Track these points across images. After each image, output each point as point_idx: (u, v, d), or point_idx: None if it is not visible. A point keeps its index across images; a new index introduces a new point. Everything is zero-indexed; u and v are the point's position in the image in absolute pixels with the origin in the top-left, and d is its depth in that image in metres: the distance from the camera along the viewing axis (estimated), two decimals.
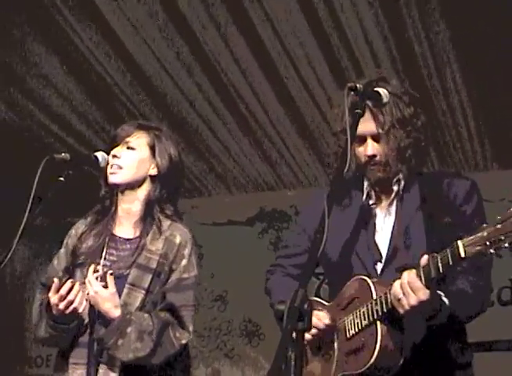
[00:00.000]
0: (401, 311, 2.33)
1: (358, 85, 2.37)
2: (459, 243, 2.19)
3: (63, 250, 3.06)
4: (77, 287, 2.80)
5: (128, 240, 2.96)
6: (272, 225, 6.17)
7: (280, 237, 6.07)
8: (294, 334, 1.94)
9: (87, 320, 2.86)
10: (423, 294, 2.28)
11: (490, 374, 3.71)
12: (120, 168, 2.95)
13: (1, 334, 6.40)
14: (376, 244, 2.58)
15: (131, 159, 2.98)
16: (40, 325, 2.91)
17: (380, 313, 2.39)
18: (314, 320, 2.52)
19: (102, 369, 2.79)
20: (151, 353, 2.75)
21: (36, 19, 4.53)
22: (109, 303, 2.78)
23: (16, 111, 5.34)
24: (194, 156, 5.67)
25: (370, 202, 2.64)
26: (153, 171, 2.99)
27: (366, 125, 2.49)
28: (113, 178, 2.96)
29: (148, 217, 2.96)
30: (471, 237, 2.16)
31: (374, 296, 2.43)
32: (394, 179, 2.58)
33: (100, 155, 2.96)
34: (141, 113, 5.20)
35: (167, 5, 4.41)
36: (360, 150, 2.56)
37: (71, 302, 2.78)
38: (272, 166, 5.82)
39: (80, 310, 2.81)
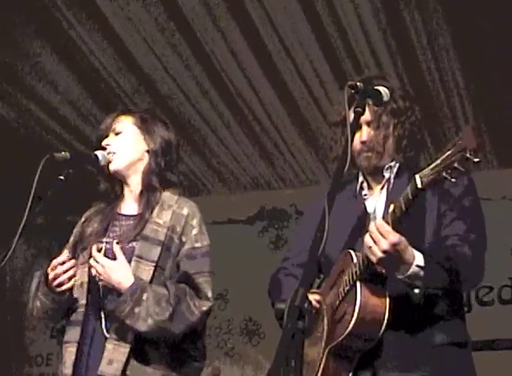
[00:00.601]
0: (374, 260, 2.30)
1: (358, 84, 2.38)
2: (416, 176, 2.21)
3: (71, 238, 3.04)
4: (69, 263, 2.77)
5: (131, 216, 2.93)
6: (273, 224, 6.17)
7: (280, 236, 6.08)
8: (295, 333, 1.94)
9: (83, 301, 2.81)
10: (393, 236, 2.27)
11: (491, 372, 3.71)
12: (114, 153, 2.93)
13: (1, 333, 6.40)
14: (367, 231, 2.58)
15: (122, 142, 2.96)
16: (35, 297, 2.87)
17: (358, 273, 2.39)
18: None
19: (110, 344, 2.71)
20: (170, 318, 2.66)
21: (36, 18, 4.53)
22: (120, 274, 2.70)
23: (16, 110, 5.34)
24: (194, 155, 5.67)
25: (363, 193, 2.66)
26: (147, 147, 2.97)
27: (366, 115, 2.52)
28: (111, 167, 2.94)
29: (148, 189, 2.91)
30: (426, 169, 2.19)
31: (354, 260, 2.43)
32: (386, 166, 2.60)
33: (100, 154, 2.95)
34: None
35: (167, 4, 4.41)
36: (355, 137, 2.57)
37: (58, 275, 2.76)
38: (272, 165, 5.82)
39: (64, 287, 2.77)
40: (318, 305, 2.57)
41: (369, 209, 2.63)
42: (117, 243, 2.77)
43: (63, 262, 2.78)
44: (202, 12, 4.42)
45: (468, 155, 2.08)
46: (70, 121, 5.42)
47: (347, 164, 2.25)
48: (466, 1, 4.05)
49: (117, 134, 2.99)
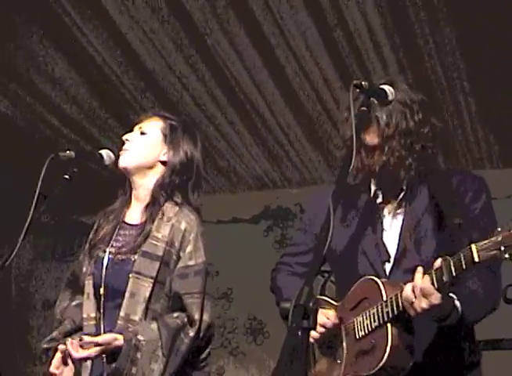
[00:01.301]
0: (412, 314, 2.32)
1: (363, 83, 2.37)
2: (473, 247, 2.16)
3: (86, 245, 3.02)
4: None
5: (134, 225, 2.92)
6: (277, 223, 6.18)
7: (285, 235, 6.08)
8: (300, 333, 1.93)
9: (92, 314, 2.84)
10: (435, 298, 2.27)
11: (496, 372, 3.69)
12: (128, 150, 2.92)
13: (6, 332, 6.41)
14: (384, 244, 2.56)
15: (141, 143, 2.94)
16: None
17: (390, 315, 2.38)
18: (322, 318, 2.53)
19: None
20: (165, 366, 2.70)
21: (39, 16, 4.53)
22: (110, 346, 2.70)
23: (21, 109, 5.34)
24: (203, 157, 5.66)
25: (378, 201, 2.62)
26: (163, 157, 2.94)
27: (372, 138, 2.50)
28: (120, 162, 2.92)
29: (155, 202, 2.88)
30: (485, 242, 2.14)
31: (384, 297, 2.41)
32: (403, 179, 2.56)
33: (105, 153, 2.95)
34: (146, 111, 5.20)
35: (174, 8, 4.41)
36: (368, 158, 2.55)
37: None
38: (276, 164, 5.82)
39: None
40: (336, 322, 2.56)
41: (385, 221, 2.60)
42: (123, 261, 2.79)
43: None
44: (209, 16, 4.43)
45: None
46: (75, 120, 5.42)
47: (352, 163, 2.24)
48: (473, 2, 4.04)
49: (141, 133, 2.97)
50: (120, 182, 3.03)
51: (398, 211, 2.59)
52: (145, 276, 2.77)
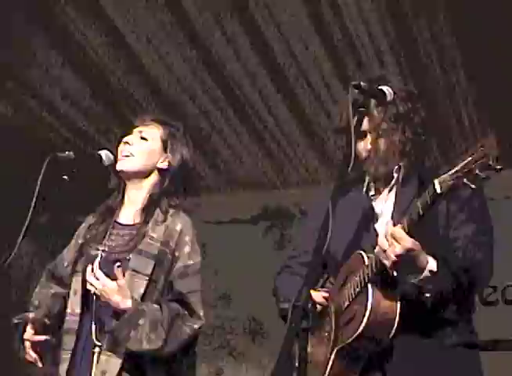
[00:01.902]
0: (388, 264, 2.31)
1: (362, 83, 2.38)
2: (435, 180, 2.20)
3: (73, 241, 3.09)
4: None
5: (127, 225, 2.96)
6: (276, 224, 6.17)
7: (284, 236, 6.08)
8: (299, 333, 1.94)
9: (77, 310, 2.86)
10: (408, 241, 2.28)
11: (494, 373, 3.70)
12: (131, 155, 2.97)
13: (5, 332, 6.41)
14: (375, 231, 2.58)
15: (143, 148, 2.99)
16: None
17: (370, 276, 2.39)
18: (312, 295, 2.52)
19: (104, 355, 2.77)
20: (164, 343, 2.73)
21: (39, 17, 4.53)
22: (119, 295, 2.74)
23: (19, 109, 5.34)
24: (198, 154, 5.66)
25: (370, 194, 2.66)
26: (162, 165, 3.01)
27: (364, 124, 2.51)
28: (121, 165, 2.97)
29: (152, 206, 2.94)
30: (446, 174, 2.19)
31: (366, 262, 2.43)
32: (395, 168, 2.60)
33: (104, 154, 2.96)
34: (146, 112, 5.20)
35: (174, 9, 4.41)
36: (360, 144, 2.57)
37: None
38: (276, 164, 5.82)
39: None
40: (325, 303, 2.57)
41: (377, 210, 2.63)
42: (118, 266, 2.78)
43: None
44: (210, 19, 4.43)
45: (491, 162, 2.10)
46: (74, 121, 5.42)
47: (352, 164, 2.25)
48: (471, 4, 4.05)
49: (142, 138, 3.02)
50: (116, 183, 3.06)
51: (389, 197, 2.61)
52: (140, 273, 2.82)
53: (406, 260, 2.30)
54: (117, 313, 2.75)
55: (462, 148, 5.29)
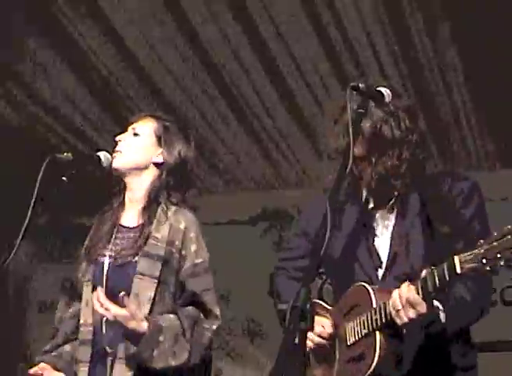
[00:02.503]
0: (399, 323, 2.33)
1: (360, 85, 2.37)
2: (456, 259, 2.18)
3: (82, 251, 3.03)
4: None
5: (131, 228, 2.92)
6: (275, 225, 6.17)
7: (282, 237, 6.07)
8: (297, 334, 1.94)
9: (90, 320, 2.84)
10: (421, 307, 2.29)
11: (493, 374, 3.70)
12: (121, 152, 2.93)
13: (4, 334, 6.41)
14: (376, 250, 2.57)
15: (133, 144, 2.95)
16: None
17: (379, 323, 2.39)
18: (319, 328, 2.54)
19: (117, 364, 2.73)
20: (189, 355, 2.70)
21: (37, 18, 4.53)
22: (133, 321, 2.67)
23: (19, 111, 5.34)
24: (196, 155, 5.66)
25: (369, 206, 2.63)
26: (158, 159, 2.95)
27: (359, 149, 2.48)
28: (113, 163, 2.92)
29: (153, 204, 2.89)
30: (468, 254, 2.16)
31: (374, 305, 2.42)
32: (394, 186, 2.56)
33: (103, 155, 2.94)
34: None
35: (173, 10, 4.41)
36: (357, 168, 2.56)
37: None
38: (274, 166, 5.82)
39: None
40: (329, 338, 2.57)
41: (376, 227, 2.60)
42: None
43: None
44: (211, 24, 4.44)
45: None
46: (73, 122, 5.42)
47: (349, 166, 2.24)
48: (470, 6, 4.05)
49: (135, 134, 2.98)
50: (116, 184, 3.04)
51: (390, 216, 2.59)
52: (148, 276, 2.78)
53: (418, 321, 2.33)
54: (132, 334, 2.69)
55: (460, 149, 5.30)
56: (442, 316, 2.37)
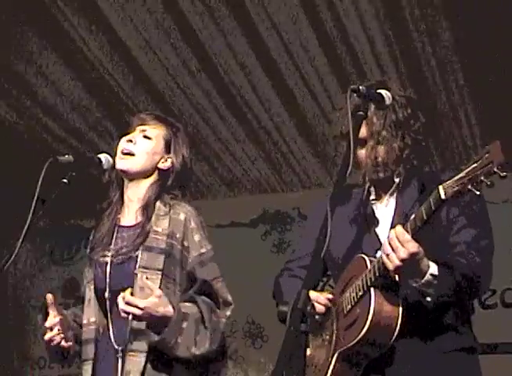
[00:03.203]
0: (392, 267, 2.31)
1: (360, 87, 2.38)
2: (440, 186, 2.21)
3: (88, 252, 3.04)
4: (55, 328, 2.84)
5: (131, 226, 2.92)
6: (275, 227, 6.17)
7: (283, 239, 6.08)
8: (298, 336, 1.94)
9: (92, 318, 2.85)
10: (412, 246, 2.28)
11: None
12: (133, 154, 2.92)
13: (4, 336, 6.41)
14: (376, 234, 2.59)
15: (146, 148, 2.94)
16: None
17: (373, 280, 2.39)
18: (314, 296, 2.50)
19: (126, 358, 2.73)
20: (210, 343, 2.72)
21: (38, 20, 4.54)
22: (160, 306, 2.66)
23: (19, 113, 5.34)
24: (197, 158, 5.67)
25: (371, 198, 2.66)
26: (163, 165, 2.96)
27: (363, 131, 2.51)
28: (122, 164, 2.92)
29: (151, 204, 2.90)
30: (450, 180, 2.19)
31: (369, 266, 2.44)
32: (395, 173, 2.60)
33: (104, 157, 2.95)
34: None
35: (173, 12, 4.42)
36: (361, 152, 2.58)
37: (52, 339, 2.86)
38: (275, 168, 5.82)
39: (65, 344, 2.84)
40: (329, 304, 2.57)
41: (377, 214, 2.64)
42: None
43: (51, 328, 2.87)
44: (211, 25, 4.44)
45: (495, 169, 2.10)
46: (74, 124, 5.42)
47: (350, 167, 2.25)
48: (470, 6, 4.05)
49: (145, 137, 2.97)
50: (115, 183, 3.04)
51: (389, 203, 2.62)
52: (152, 269, 2.78)
53: (409, 264, 2.30)
54: (154, 323, 2.67)
55: (460, 151, 5.30)
56: (434, 268, 2.35)
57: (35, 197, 2.65)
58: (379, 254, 2.50)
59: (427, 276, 2.34)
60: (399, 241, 2.29)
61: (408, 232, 2.30)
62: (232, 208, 6.19)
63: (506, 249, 4.56)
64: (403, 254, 2.28)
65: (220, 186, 6.12)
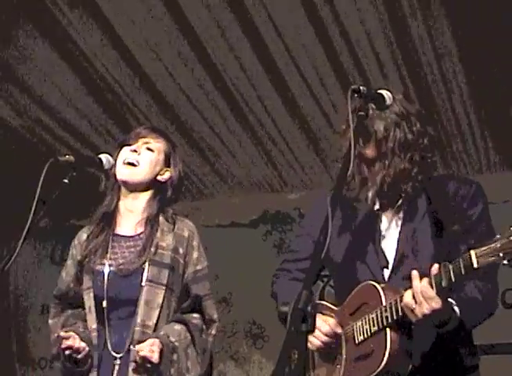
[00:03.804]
0: (413, 320, 2.34)
1: (361, 88, 2.38)
2: (472, 253, 2.19)
3: (69, 261, 3.09)
4: (76, 344, 2.85)
5: (130, 237, 2.99)
6: (276, 228, 6.17)
7: (284, 239, 6.08)
8: (298, 336, 1.94)
9: (94, 325, 2.90)
10: (436, 303, 2.28)
11: None
12: (137, 164, 3.00)
13: (5, 336, 6.41)
14: (382, 250, 2.58)
15: (149, 159, 3.03)
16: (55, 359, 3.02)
17: (390, 320, 2.39)
18: (324, 326, 2.54)
19: (130, 367, 2.82)
20: (201, 365, 2.89)
21: (39, 21, 4.54)
22: (155, 353, 2.78)
23: (20, 114, 5.34)
24: (198, 158, 5.67)
25: (375, 208, 2.64)
26: (161, 177, 3.06)
27: (371, 151, 2.53)
28: (125, 173, 2.99)
29: (154, 216, 2.99)
30: (484, 248, 2.17)
31: (384, 302, 2.43)
32: (402, 189, 2.58)
33: (104, 157, 2.97)
34: (146, 116, 5.20)
35: (173, 11, 4.42)
36: (368, 171, 2.58)
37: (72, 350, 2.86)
38: (275, 168, 5.82)
39: (79, 357, 2.86)
40: (337, 330, 2.57)
41: (382, 227, 2.62)
42: (130, 276, 2.88)
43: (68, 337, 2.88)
44: (211, 25, 4.44)
45: None
46: (74, 124, 5.42)
47: (351, 167, 2.25)
48: (471, 7, 4.05)
49: (148, 149, 3.05)
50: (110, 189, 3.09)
51: (396, 217, 2.60)
52: (157, 283, 2.89)
53: (432, 318, 2.32)
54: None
55: (461, 152, 5.30)
56: (458, 313, 2.37)
57: (36, 198, 2.66)
58: (385, 272, 2.54)
59: (449, 327, 2.36)
60: (423, 297, 2.29)
61: (432, 288, 2.29)
62: (233, 209, 6.19)
63: None
64: (427, 310, 2.29)
65: (220, 187, 6.12)
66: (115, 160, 3.01)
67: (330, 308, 2.67)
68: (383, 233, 2.60)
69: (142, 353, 2.76)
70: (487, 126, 5.00)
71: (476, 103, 4.81)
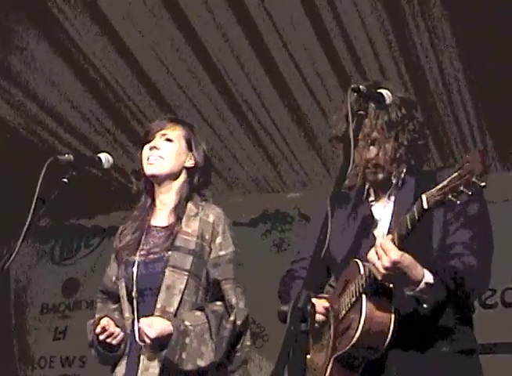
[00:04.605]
0: (378, 277, 2.32)
1: (361, 87, 2.38)
2: (423, 196, 2.22)
3: (112, 255, 3.13)
4: (111, 328, 2.89)
5: (163, 227, 3.02)
6: (276, 227, 6.17)
7: (283, 239, 6.07)
8: (298, 336, 1.94)
9: (127, 314, 2.94)
10: (395, 253, 2.28)
11: None
12: (161, 158, 3.02)
13: (5, 336, 6.41)
14: (374, 236, 2.59)
15: (171, 150, 3.05)
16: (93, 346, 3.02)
17: (364, 286, 2.40)
18: (318, 307, 2.53)
19: (145, 357, 2.85)
20: (215, 353, 2.82)
21: (39, 21, 4.54)
22: (158, 330, 2.79)
23: (20, 113, 5.35)
24: None
25: (370, 199, 2.67)
26: (189, 164, 3.08)
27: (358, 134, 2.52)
28: (152, 169, 3.02)
29: (182, 203, 3.01)
30: (433, 190, 2.20)
31: (361, 272, 2.44)
32: (393, 174, 2.60)
33: (104, 156, 2.98)
34: (145, 115, 5.21)
35: (173, 11, 4.42)
36: (356, 152, 2.57)
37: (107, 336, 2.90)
38: (275, 168, 5.82)
39: (114, 342, 2.90)
40: (325, 312, 2.58)
41: (376, 216, 2.64)
42: (155, 262, 2.88)
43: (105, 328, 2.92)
44: (211, 25, 4.45)
45: (474, 179, 2.10)
46: (74, 124, 5.42)
47: (350, 166, 2.25)
48: (471, 6, 4.05)
49: (167, 140, 3.06)
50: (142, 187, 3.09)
51: (388, 204, 2.62)
52: (179, 269, 2.89)
53: (395, 272, 2.31)
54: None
55: (460, 151, 5.30)
56: (431, 280, 2.35)
57: (35, 197, 2.66)
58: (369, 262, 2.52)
59: (422, 285, 2.33)
60: (383, 249, 2.30)
61: (394, 240, 2.30)
62: (233, 208, 6.17)
63: (507, 249, 4.56)
64: (386, 262, 2.28)
65: (220, 186, 6.12)
66: (140, 161, 3.05)
67: (325, 297, 2.68)
68: (376, 222, 2.62)
69: (139, 325, 2.79)
70: (486, 125, 5.00)
71: (476, 102, 4.81)
